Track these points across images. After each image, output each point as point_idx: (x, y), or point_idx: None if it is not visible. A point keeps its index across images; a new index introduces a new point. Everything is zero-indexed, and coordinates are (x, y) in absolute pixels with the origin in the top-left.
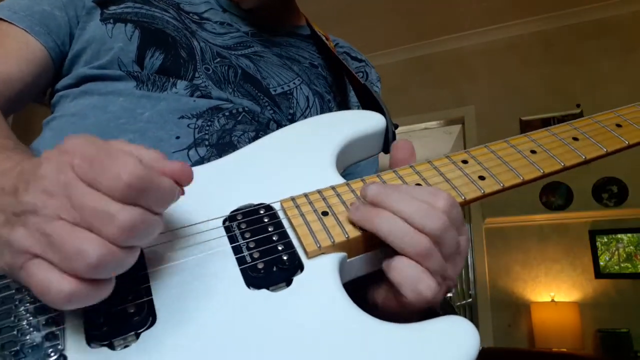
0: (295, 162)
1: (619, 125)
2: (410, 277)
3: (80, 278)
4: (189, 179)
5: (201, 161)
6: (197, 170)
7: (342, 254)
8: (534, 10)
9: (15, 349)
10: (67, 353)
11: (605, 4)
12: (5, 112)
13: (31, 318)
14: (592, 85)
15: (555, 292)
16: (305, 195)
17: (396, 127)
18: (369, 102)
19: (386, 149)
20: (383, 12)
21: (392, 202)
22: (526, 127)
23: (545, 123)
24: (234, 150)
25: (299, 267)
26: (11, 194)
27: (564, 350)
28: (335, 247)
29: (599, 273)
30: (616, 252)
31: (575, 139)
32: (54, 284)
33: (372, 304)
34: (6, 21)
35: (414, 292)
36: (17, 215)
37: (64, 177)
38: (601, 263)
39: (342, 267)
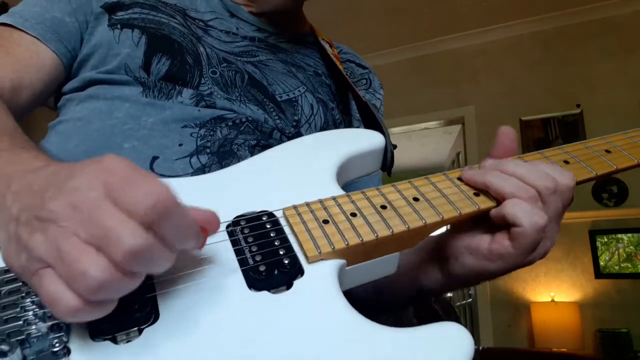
0: (297, 174)
1: (607, 152)
2: (526, 208)
3: (84, 297)
4: (214, 227)
5: (202, 168)
6: (203, 178)
7: (342, 261)
8: (534, 10)
9: (21, 337)
10: (71, 345)
11: (605, 3)
12: (15, 119)
13: (37, 310)
14: (592, 85)
15: (555, 292)
16: (307, 204)
17: (395, 147)
18: (370, 120)
19: (384, 166)
20: (383, 12)
21: (507, 167)
22: (526, 127)
23: (545, 123)
24: (234, 158)
25: (300, 271)
26: (39, 195)
27: (564, 350)
28: (335, 254)
29: (599, 273)
30: (616, 252)
31: (566, 162)
32: (63, 297)
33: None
34: (18, 29)
35: (531, 221)
36: (40, 220)
37: (94, 194)
38: (601, 263)
39: (341, 274)
